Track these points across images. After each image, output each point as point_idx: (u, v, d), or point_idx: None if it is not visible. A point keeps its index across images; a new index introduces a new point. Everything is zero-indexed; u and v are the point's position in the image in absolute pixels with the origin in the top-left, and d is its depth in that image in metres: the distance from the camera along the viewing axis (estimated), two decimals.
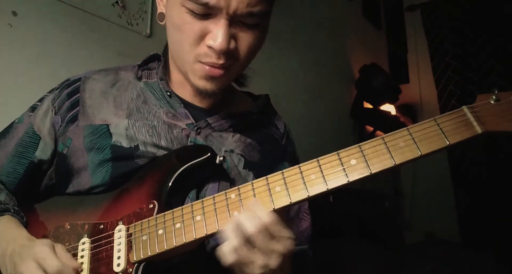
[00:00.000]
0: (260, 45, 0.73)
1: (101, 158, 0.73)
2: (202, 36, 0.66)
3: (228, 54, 0.67)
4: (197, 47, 0.68)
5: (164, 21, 0.74)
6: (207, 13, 0.64)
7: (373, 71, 2.92)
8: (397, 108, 3.23)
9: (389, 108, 3.15)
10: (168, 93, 0.80)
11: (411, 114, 3.47)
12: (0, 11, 1.21)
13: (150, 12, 1.66)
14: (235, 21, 0.65)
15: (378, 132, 3.18)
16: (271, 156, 0.86)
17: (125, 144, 0.74)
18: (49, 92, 0.86)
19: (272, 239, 0.56)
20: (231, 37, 0.66)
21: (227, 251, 0.56)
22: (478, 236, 2.95)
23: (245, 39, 0.68)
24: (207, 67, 0.68)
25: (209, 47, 0.66)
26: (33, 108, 0.83)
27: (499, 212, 2.88)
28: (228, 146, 0.79)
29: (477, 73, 3.10)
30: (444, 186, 3.19)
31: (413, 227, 3.33)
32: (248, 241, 0.56)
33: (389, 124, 3.13)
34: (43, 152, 0.79)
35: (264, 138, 0.87)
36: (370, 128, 3.14)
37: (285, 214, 0.79)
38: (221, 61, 0.67)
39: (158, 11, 0.75)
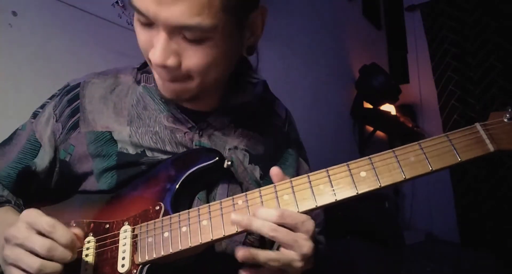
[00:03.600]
0: (217, 58, 0.64)
1: (105, 166, 0.73)
2: (149, 47, 0.63)
3: (173, 70, 0.63)
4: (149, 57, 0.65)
5: None
6: (148, 23, 0.61)
7: (373, 71, 2.92)
8: (397, 108, 3.23)
9: (389, 108, 3.15)
10: (163, 100, 0.78)
11: (411, 114, 3.47)
12: (0, 11, 1.21)
13: None
14: (175, 34, 0.60)
15: (378, 132, 3.18)
16: (275, 146, 0.85)
17: (131, 151, 0.74)
18: (50, 98, 0.85)
19: (294, 230, 0.57)
20: (172, 52, 0.61)
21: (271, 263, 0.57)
22: (477, 236, 2.95)
23: (191, 57, 0.62)
24: (161, 82, 0.67)
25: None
26: (35, 115, 0.83)
27: (498, 212, 2.88)
28: (232, 143, 0.78)
29: (477, 73, 3.10)
30: (444, 186, 3.19)
31: (413, 227, 3.33)
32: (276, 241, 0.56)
33: (389, 124, 3.14)
34: (41, 159, 0.78)
35: (266, 128, 0.85)
36: (370, 128, 3.14)
37: None
38: (167, 77, 0.65)
39: None
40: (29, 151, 0.79)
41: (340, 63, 3.05)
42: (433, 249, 2.85)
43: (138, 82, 0.82)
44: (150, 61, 0.66)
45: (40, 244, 0.55)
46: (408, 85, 3.57)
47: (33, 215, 0.58)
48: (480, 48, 3.09)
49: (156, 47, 0.60)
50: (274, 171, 0.62)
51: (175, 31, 0.59)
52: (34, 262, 0.54)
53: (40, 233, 0.56)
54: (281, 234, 0.56)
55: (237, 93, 0.84)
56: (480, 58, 3.09)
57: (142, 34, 0.63)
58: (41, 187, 0.80)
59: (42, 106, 0.84)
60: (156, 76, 0.68)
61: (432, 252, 2.79)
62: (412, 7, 3.61)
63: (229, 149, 0.78)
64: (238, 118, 0.81)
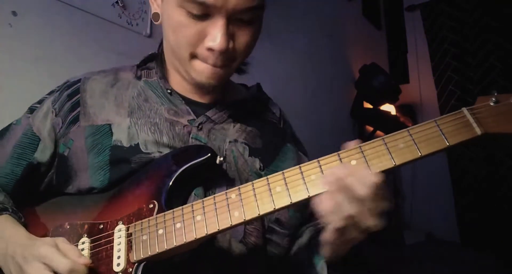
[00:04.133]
0: (257, 38, 0.73)
1: (99, 160, 0.73)
2: (200, 39, 0.67)
3: (227, 54, 0.68)
4: (195, 48, 0.68)
5: (159, 21, 0.74)
6: (205, 13, 0.64)
7: (373, 71, 2.91)
8: (397, 108, 3.22)
9: (389, 108, 3.14)
10: (169, 91, 0.80)
11: (411, 114, 3.47)
12: (0, 11, 1.21)
13: (150, 12, 1.66)
14: (232, 19, 0.65)
15: (378, 132, 3.18)
16: (273, 141, 0.87)
17: (125, 143, 0.74)
18: (49, 94, 0.85)
19: (380, 199, 0.55)
20: (230, 37, 0.66)
21: (340, 217, 0.54)
22: (477, 236, 2.95)
23: (243, 37, 0.69)
24: (206, 66, 0.70)
25: (209, 48, 0.66)
26: (31, 110, 0.83)
27: (498, 212, 2.88)
28: (231, 136, 0.80)
29: (476, 73, 3.10)
30: (444, 186, 3.19)
31: (413, 227, 3.33)
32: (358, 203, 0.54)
33: (389, 124, 3.13)
34: (42, 153, 0.79)
35: (263, 124, 0.88)
36: (370, 128, 3.14)
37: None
38: (219, 63, 0.68)
39: (153, 11, 0.75)
40: (28, 145, 0.79)
41: (340, 63, 3.05)
42: (433, 249, 2.85)
43: (139, 78, 0.84)
44: (190, 54, 0.69)
45: None
46: (408, 85, 3.56)
47: (50, 254, 0.59)
48: (480, 48, 3.09)
49: (216, 35, 0.64)
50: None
51: (233, 16, 0.64)
52: None
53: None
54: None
55: (233, 92, 0.88)
56: (480, 58, 3.08)
57: (192, 27, 0.66)
58: (41, 181, 0.81)
59: (40, 102, 0.84)
60: (201, 66, 0.70)
61: (432, 252, 2.79)
62: (412, 7, 3.60)
63: (230, 142, 0.79)
64: (235, 113, 0.83)
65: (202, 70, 0.71)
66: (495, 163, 2.94)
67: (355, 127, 3.06)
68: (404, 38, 3.68)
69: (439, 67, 3.27)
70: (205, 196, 0.71)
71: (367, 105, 3.09)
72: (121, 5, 1.54)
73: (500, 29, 2.99)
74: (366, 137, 3.08)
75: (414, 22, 3.59)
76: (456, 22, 3.24)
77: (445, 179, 3.17)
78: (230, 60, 0.71)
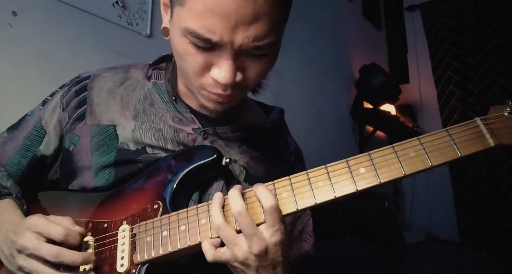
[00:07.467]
0: (271, 67, 0.68)
1: (104, 161, 0.73)
2: (206, 68, 0.63)
3: (235, 85, 0.63)
4: (202, 77, 0.64)
5: (168, 37, 0.70)
6: (210, 47, 0.60)
7: (373, 71, 2.91)
8: (397, 108, 3.22)
9: (389, 108, 3.14)
10: (174, 98, 0.78)
11: (411, 114, 3.47)
12: (0, 11, 1.21)
13: (150, 12, 1.65)
14: (241, 52, 0.61)
15: (378, 132, 3.18)
16: (276, 173, 0.83)
17: (132, 146, 0.74)
18: (60, 87, 0.85)
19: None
20: (238, 68, 0.62)
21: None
22: (477, 236, 2.95)
23: (253, 68, 0.64)
24: (214, 96, 0.66)
25: (214, 79, 0.62)
26: (44, 102, 0.84)
27: (498, 212, 2.88)
28: (232, 155, 0.77)
29: (476, 73, 3.10)
30: (444, 186, 3.19)
31: (413, 227, 3.33)
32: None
33: (389, 124, 3.13)
34: (46, 147, 0.80)
35: (272, 154, 0.83)
36: (370, 128, 3.14)
37: (288, 232, 0.77)
38: (227, 93, 0.64)
39: (163, 26, 0.71)
40: (36, 138, 0.80)
41: (340, 63, 3.05)
42: (433, 249, 2.85)
43: (149, 78, 0.82)
44: (198, 84, 0.65)
45: (48, 253, 0.59)
46: (408, 85, 3.56)
47: (41, 224, 0.60)
48: (480, 48, 3.09)
49: (222, 68, 0.60)
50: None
51: (243, 51, 0.60)
52: (49, 272, 0.60)
53: (50, 240, 0.60)
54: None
55: (250, 113, 0.84)
56: (480, 58, 3.08)
57: (198, 57, 0.61)
58: (47, 173, 0.82)
59: (52, 95, 0.85)
60: (204, 93, 0.66)
61: (432, 252, 2.79)
62: (412, 7, 3.61)
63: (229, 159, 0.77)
64: (246, 136, 0.80)
65: (209, 97, 0.66)
66: (495, 162, 2.94)
67: (355, 127, 3.06)
68: (404, 38, 3.68)
69: (439, 67, 3.28)
70: (201, 200, 0.71)
71: (367, 105, 3.09)
72: (121, 5, 1.54)
73: (500, 29, 3.00)
74: (366, 137, 3.08)
75: (414, 22, 3.59)
76: (456, 22, 3.24)
77: (445, 179, 3.17)
78: (240, 89, 0.66)
